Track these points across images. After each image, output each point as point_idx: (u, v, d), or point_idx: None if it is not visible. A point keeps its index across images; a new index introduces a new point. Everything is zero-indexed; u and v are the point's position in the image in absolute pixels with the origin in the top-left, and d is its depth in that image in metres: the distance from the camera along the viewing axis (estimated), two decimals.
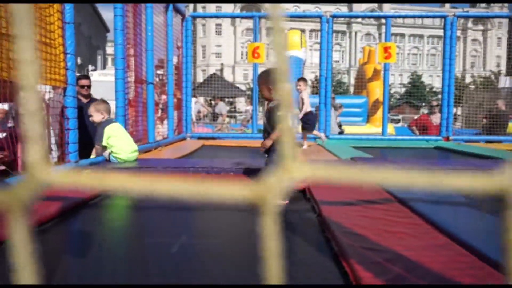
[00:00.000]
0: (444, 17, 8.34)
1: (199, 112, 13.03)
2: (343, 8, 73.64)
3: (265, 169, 3.20)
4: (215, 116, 12.97)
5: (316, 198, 2.91)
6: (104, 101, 4.67)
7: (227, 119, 12.79)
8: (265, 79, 3.14)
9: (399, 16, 10.47)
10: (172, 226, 2.51)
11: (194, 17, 8.42)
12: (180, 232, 2.40)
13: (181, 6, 7.82)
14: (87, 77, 5.93)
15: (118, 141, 4.40)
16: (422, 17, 19.30)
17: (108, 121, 4.47)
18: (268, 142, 3.13)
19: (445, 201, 2.74)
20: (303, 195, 3.37)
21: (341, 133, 9.68)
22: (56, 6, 3.46)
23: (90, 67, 30.90)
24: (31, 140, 0.33)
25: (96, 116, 4.42)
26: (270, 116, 3.17)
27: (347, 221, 2.23)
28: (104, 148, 4.42)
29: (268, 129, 3.21)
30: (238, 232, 2.51)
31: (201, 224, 2.61)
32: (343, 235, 1.95)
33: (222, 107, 13.45)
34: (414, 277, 1.46)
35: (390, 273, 1.51)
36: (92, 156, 4.58)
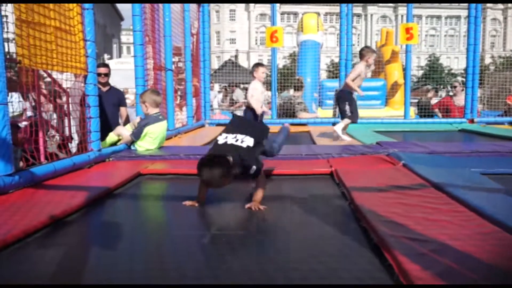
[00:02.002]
0: None
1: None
2: None
3: None
4: (232, 103, 12.83)
5: (346, 183, 2.81)
6: (158, 93, 4.59)
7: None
8: None
9: None
10: (199, 218, 2.45)
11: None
12: (208, 223, 2.34)
13: None
14: (105, 65, 5.87)
15: (147, 140, 4.34)
16: None
17: (154, 119, 4.39)
18: None
19: (482, 187, 2.61)
20: (331, 179, 3.27)
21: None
22: None
23: (106, 56, 31.01)
24: None
25: (149, 107, 4.35)
26: None
27: (382, 209, 2.13)
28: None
29: None
30: (264, 223, 2.44)
31: (228, 215, 2.54)
32: (382, 225, 1.85)
33: (239, 94, 13.28)
34: (466, 269, 1.37)
35: (439, 265, 1.41)
36: (120, 138, 4.51)
